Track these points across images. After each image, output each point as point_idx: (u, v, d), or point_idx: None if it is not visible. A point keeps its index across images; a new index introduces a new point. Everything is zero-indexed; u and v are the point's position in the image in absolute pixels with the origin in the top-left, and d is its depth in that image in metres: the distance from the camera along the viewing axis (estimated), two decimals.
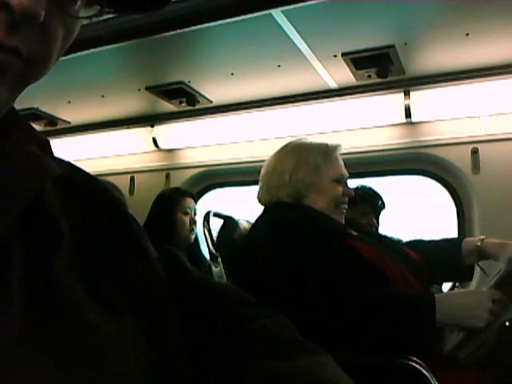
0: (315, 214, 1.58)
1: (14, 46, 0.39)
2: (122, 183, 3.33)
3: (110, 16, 1.86)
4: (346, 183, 1.69)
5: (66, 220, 0.50)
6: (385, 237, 1.82)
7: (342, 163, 1.68)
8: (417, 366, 1.17)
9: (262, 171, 1.73)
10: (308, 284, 1.33)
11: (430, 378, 1.14)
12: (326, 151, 1.65)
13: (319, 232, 1.47)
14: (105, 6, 0.48)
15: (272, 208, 1.64)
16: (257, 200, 1.74)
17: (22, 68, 0.41)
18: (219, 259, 1.69)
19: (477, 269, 1.74)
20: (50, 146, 0.53)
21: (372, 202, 2.54)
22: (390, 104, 2.61)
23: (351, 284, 1.34)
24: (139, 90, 2.60)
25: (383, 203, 2.59)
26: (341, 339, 1.24)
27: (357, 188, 2.51)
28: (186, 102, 2.74)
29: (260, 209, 1.71)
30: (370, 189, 2.58)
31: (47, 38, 0.42)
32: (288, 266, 1.38)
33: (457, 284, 2.37)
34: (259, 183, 1.73)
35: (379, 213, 2.59)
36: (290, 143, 1.73)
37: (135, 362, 0.47)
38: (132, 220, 0.61)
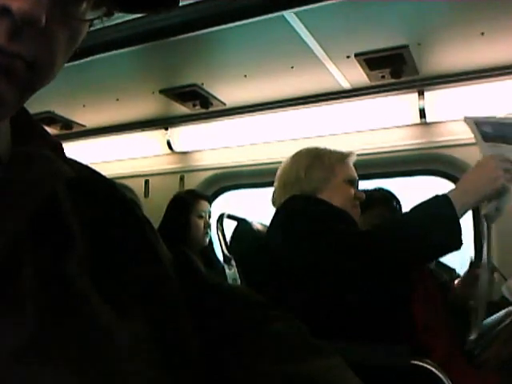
0: (329, 207, 1.58)
1: (17, 52, 0.39)
2: (137, 186, 3.34)
3: (124, 19, 1.87)
4: (357, 187, 1.71)
5: (78, 222, 0.50)
6: None
7: (353, 168, 1.71)
8: (430, 367, 1.16)
9: (278, 172, 1.74)
10: (324, 285, 1.34)
11: (445, 380, 1.13)
12: (340, 155, 1.70)
13: (334, 228, 1.47)
14: (112, 7, 0.47)
15: (285, 203, 1.62)
16: (271, 202, 1.74)
17: (26, 72, 0.41)
18: (233, 261, 1.69)
19: None
20: (62, 149, 0.53)
21: (389, 205, 2.50)
22: (404, 104, 2.59)
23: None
24: (153, 92, 2.61)
25: (400, 206, 2.55)
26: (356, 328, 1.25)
27: (374, 190, 2.47)
28: (199, 105, 2.74)
29: None
30: (388, 191, 2.54)
31: (50, 42, 0.42)
32: (303, 268, 1.38)
33: None
34: (274, 184, 1.73)
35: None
36: (306, 148, 1.75)
37: (148, 364, 0.47)
38: (145, 222, 0.61)
